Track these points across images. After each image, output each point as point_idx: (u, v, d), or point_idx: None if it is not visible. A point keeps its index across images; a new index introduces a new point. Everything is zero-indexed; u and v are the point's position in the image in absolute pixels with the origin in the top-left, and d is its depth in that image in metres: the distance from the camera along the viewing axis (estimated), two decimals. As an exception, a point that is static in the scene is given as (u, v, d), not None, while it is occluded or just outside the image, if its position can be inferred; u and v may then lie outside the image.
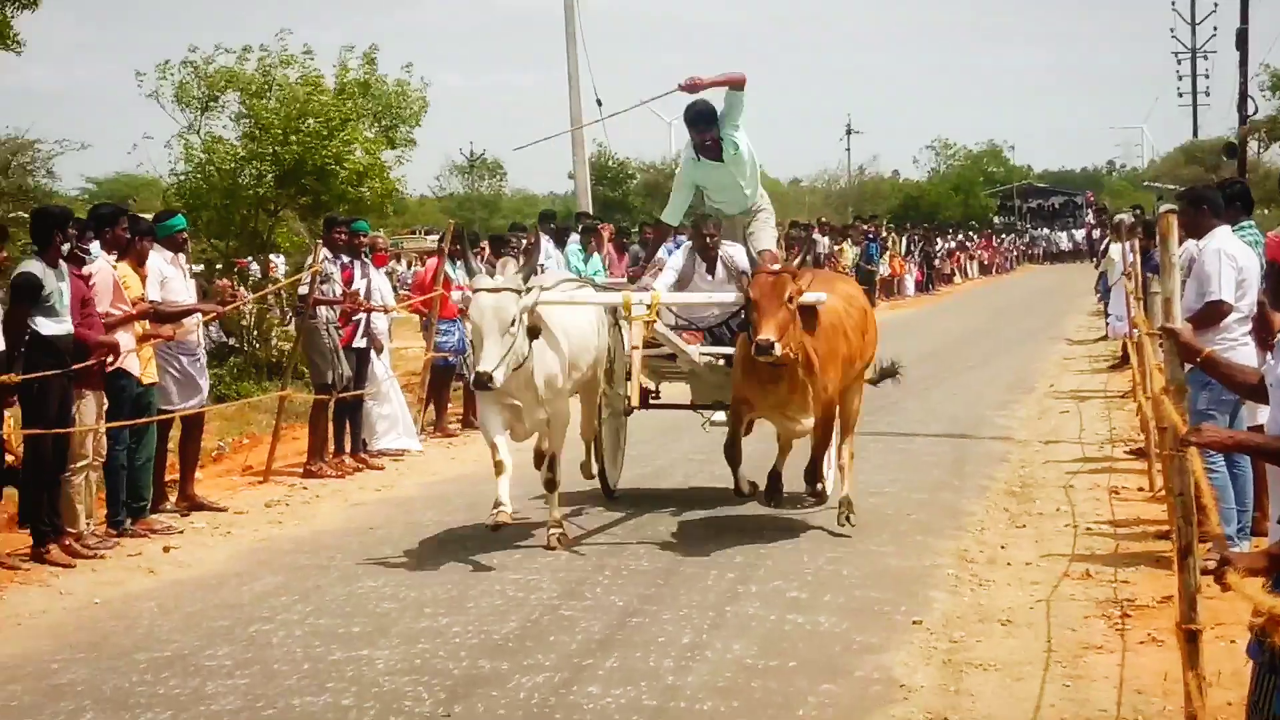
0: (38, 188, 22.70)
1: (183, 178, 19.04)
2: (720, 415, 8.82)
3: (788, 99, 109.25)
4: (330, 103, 18.53)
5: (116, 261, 9.37)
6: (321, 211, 16.40)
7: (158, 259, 9.92)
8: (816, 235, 27.39)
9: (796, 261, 7.90)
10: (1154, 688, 5.48)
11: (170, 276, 10.00)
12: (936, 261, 41.04)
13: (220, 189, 18.30)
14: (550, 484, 8.27)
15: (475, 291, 7.56)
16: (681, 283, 8.91)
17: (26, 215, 13.03)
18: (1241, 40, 30.94)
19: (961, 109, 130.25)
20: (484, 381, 7.27)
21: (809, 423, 8.19)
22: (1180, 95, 58.52)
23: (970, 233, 50.88)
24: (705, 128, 8.80)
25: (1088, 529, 8.61)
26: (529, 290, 7.62)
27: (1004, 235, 59.04)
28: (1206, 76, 58.07)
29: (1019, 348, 22.12)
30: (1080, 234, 60.38)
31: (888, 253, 34.32)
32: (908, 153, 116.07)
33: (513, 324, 7.35)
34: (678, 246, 10.45)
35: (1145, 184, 57.87)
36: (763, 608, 6.97)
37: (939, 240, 43.58)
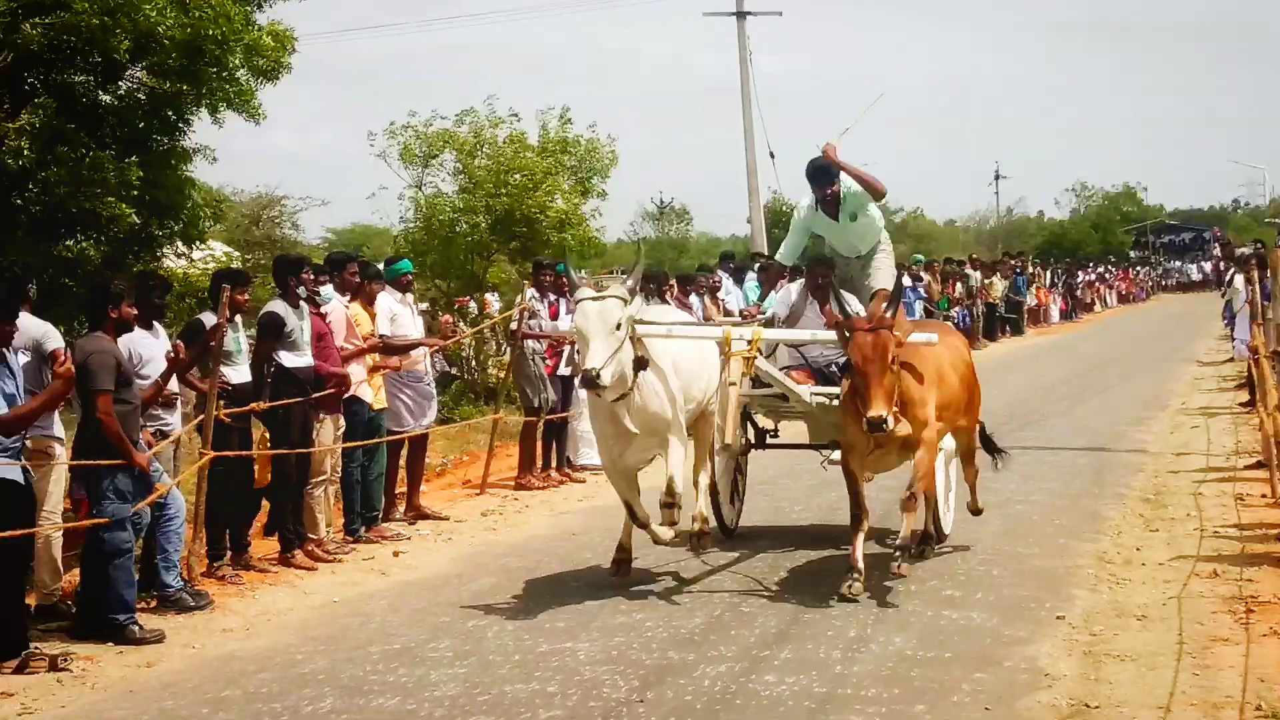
0: (284, 238, 24.12)
1: (409, 227, 19.97)
2: (838, 454, 7.69)
3: (943, 148, 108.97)
4: (534, 159, 19.21)
5: (349, 302, 9.84)
6: (529, 255, 16.96)
7: (388, 298, 10.41)
8: (969, 269, 28.71)
9: (888, 310, 6.97)
10: (1276, 676, 5.60)
11: (399, 314, 10.47)
12: (1078, 292, 41.71)
13: (441, 236, 19.16)
14: (668, 505, 7.34)
15: (579, 301, 6.95)
16: (792, 321, 8.39)
17: (272, 262, 13.74)
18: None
19: (1099, 154, 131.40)
20: (591, 379, 6.52)
21: (908, 463, 7.41)
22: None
23: (1109, 266, 52.03)
24: (825, 183, 8.29)
25: (1215, 532, 8.76)
26: (632, 302, 6.98)
27: (1139, 268, 60.06)
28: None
29: (1154, 369, 22.28)
30: (1208, 266, 59.45)
31: (1034, 285, 34.64)
32: (1050, 195, 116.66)
33: (619, 327, 6.70)
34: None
35: (1267, 220, 56.13)
36: (921, 605, 7.15)
37: (1080, 273, 44.54)
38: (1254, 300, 11.97)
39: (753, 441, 8.72)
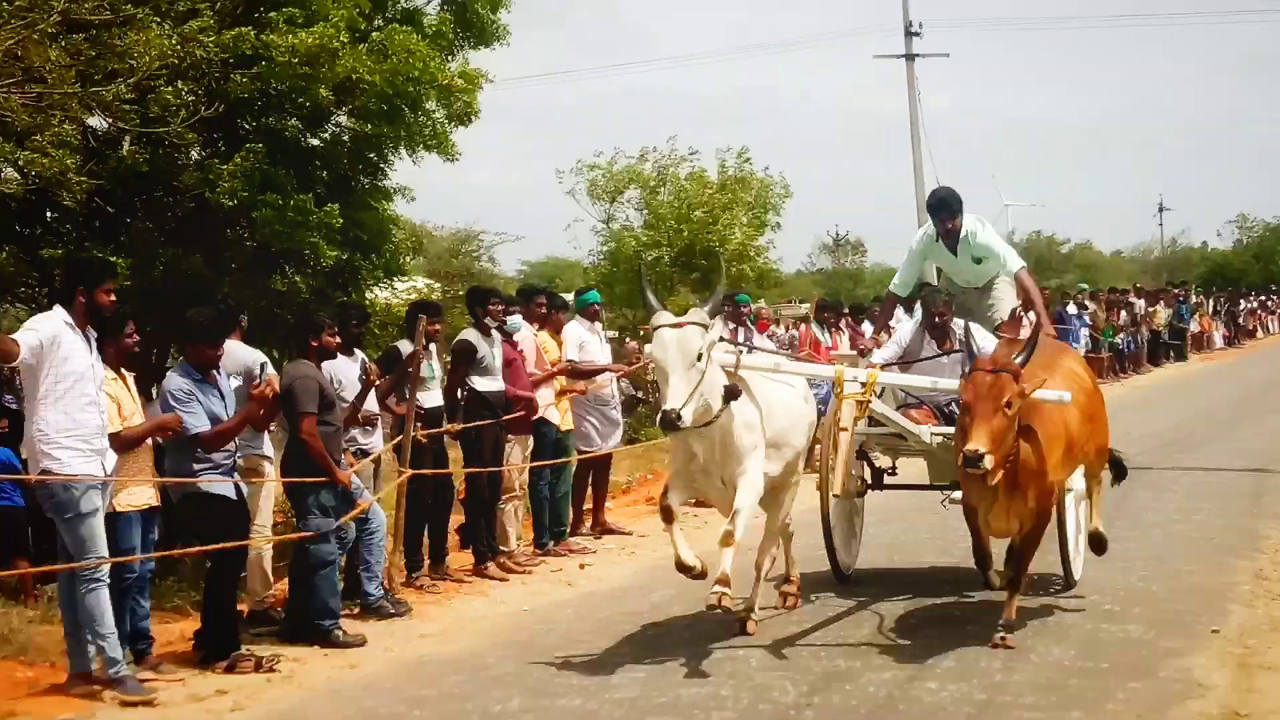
0: (481, 271, 25.03)
1: (598, 259, 20.44)
2: (959, 494, 7.04)
3: (1110, 182, 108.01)
4: (713, 195, 19.37)
5: (537, 330, 10.10)
6: (708, 286, 16.99)
7: (577, 326, 10.66)
8: (1134, 298, 29.37)
9: (1020, 358, 6.18)
10: None
11: (587, 341, 10.69)
12: (1240, 319, 40.31)
13: (627, 268, 19.40)
14: (728, 537, 6.44)
15: (656, 329, 6.17)
16: (907, 359, 7.70)
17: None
18: None
19: (1261, 187, 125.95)
20: (671, 420, 5.86)
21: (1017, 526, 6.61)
22: None
23: (1270, 295, 49.31)
24: (948, 216, 7.80)
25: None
26: (713, 327, 6.28)
27: (1301, 296, 55.75)
28: None
29: (1313, 394, 21.49)
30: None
31: (1197, 313, 33.80)
32: (1213, 226, 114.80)
33: (699, 359, 5.99)
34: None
35: None
36: (1080, 618, 7.20)
37: (1242, 301, 43.20)
38: None
39: (869, 482, 8.12)
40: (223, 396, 6.75)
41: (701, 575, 6.31)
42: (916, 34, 30.86)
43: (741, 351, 6.68)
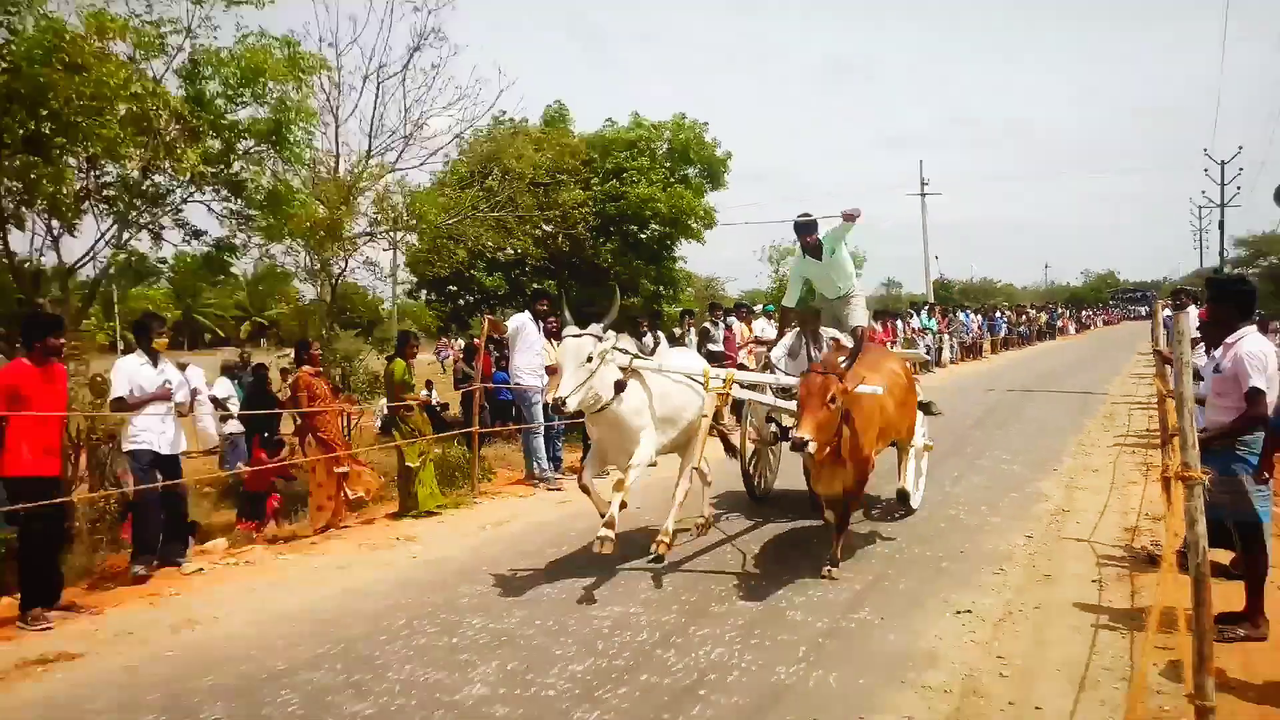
0: (721, 297, 35.05)
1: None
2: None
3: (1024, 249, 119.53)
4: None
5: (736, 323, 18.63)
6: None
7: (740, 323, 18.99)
8: (1030, 309, 44.52)
9: (844, 363, 6.58)
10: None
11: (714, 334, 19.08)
12: (1083, 319, 56.77)
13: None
14: (619, 484, 6.82)
15: (563, 338, 6.84)
16: (792, 356, 8.50)
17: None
18: None
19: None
20: (558, 403, 6.52)
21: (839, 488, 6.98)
22: None
23: (1097, 307, 66.90)
24: (807, 233, 8.51)
25: None
26: (605, 338, 6.83)
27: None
28: None
29: None
30: None
31: (1061, 316, 50.59)
32: (1074, 272, 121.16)
33: (589, 360, 6.63)
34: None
35: None
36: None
37: (1083, 310, 60.37)
38: None
39: (778, 434, 8.89)
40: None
41: (610, 524, 6.59)
42: (926, 183, 45.50)
43: (636, 356, 7.23)
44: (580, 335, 6.75)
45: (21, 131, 8.63)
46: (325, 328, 13.19)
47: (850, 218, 8.26)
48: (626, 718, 4.65)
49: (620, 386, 6.92)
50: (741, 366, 13.27)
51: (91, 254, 9.81)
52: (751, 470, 9.02)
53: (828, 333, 8.60)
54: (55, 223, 9.42)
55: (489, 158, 16.58)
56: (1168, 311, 12.47)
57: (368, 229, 14.00)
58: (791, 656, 5.35)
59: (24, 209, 9.20)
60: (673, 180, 19.88)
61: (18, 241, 9.23)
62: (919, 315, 26.77)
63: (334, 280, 13.43)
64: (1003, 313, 38.02)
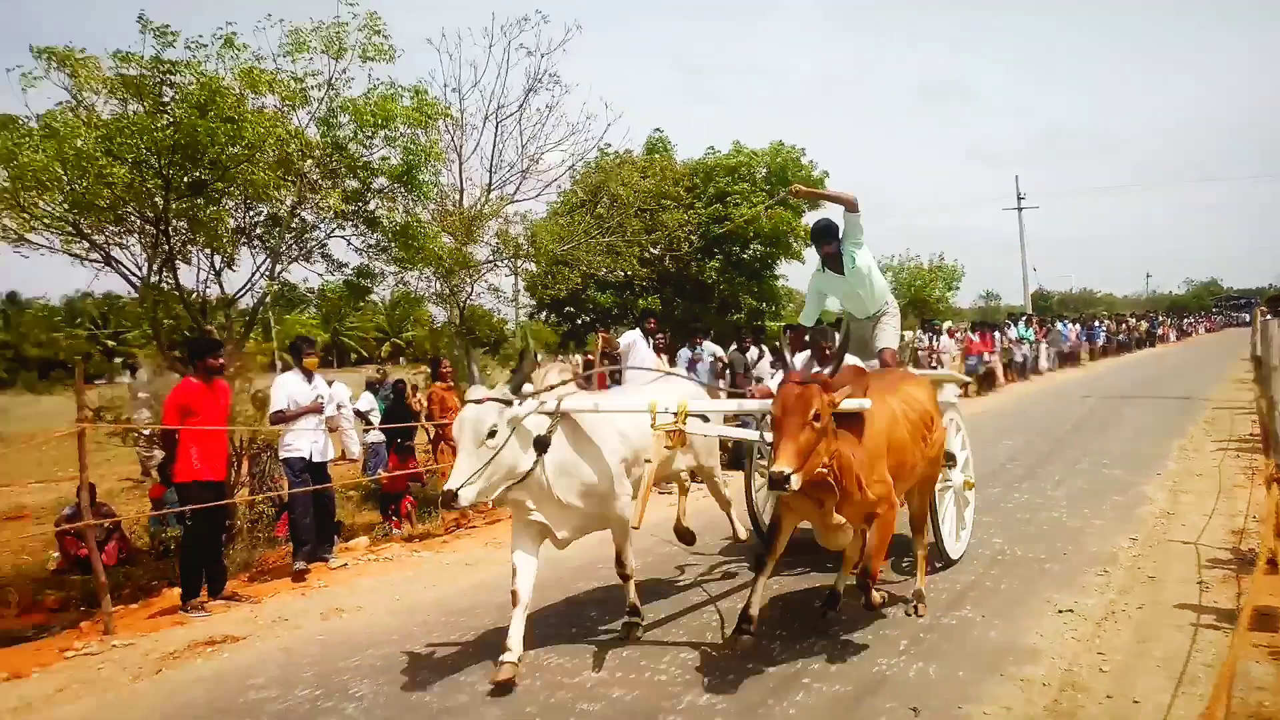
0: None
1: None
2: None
3: (1125, 260, 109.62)
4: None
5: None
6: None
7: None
8: (1130, 318, 44.38)
9: (827, 368, 4.89)
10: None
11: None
12: (1184, 328, 51.95)
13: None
14: (624, 577, 5.76)
15: (464, 403, 5.00)
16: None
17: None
18: None
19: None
20: (448, 500, 4.73)
21: (849, 535, 5.13)
22: None
23: (1195, 315, 59.11)
24: (825, 241, 6.88)
25: None
26: (522, 401, 5.03)
27: None
28: None
29: None
30: None
31: (1161, 325, 47.66)
32: (1176, 281, 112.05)
33: (490, 435, 4.82)
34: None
35: None
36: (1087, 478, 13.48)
37: (1184, 318, 55.49)
38: None
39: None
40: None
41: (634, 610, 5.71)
42: (1023, 197, 44.04)
43: (558, 401, 5.28)
44: (481, 403, 4.87)
45: (186, 178, 9.24)
46: (455, 347, 13.62)
47: (848, 205, 6.85)
48: (735, 700, 4.69)
49: (542, 444, 5.05)
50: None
51: (249, 285, 10.38)
52: (761, 510, 7.41)
53: (848, 361, 6.76)
54: (217, 258, 10.01)
55: (598, 186, 16.93)
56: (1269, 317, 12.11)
57: (490, 257, 14.44)
58: (892, 650, 5.31)
59: (190, 247, 9.81)
60: (771, 203, 19.88)
61: (186, 276, 9.84)
62: (1017, 326, 26.04)
63: (462, 304, 13.86)
64: (1101, 321, 37.13)
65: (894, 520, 5.23)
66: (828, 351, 6.42)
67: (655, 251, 19.44)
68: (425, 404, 11.16)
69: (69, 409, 7.38)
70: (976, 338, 21.62)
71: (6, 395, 40.35)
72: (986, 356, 22.07)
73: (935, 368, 18.96)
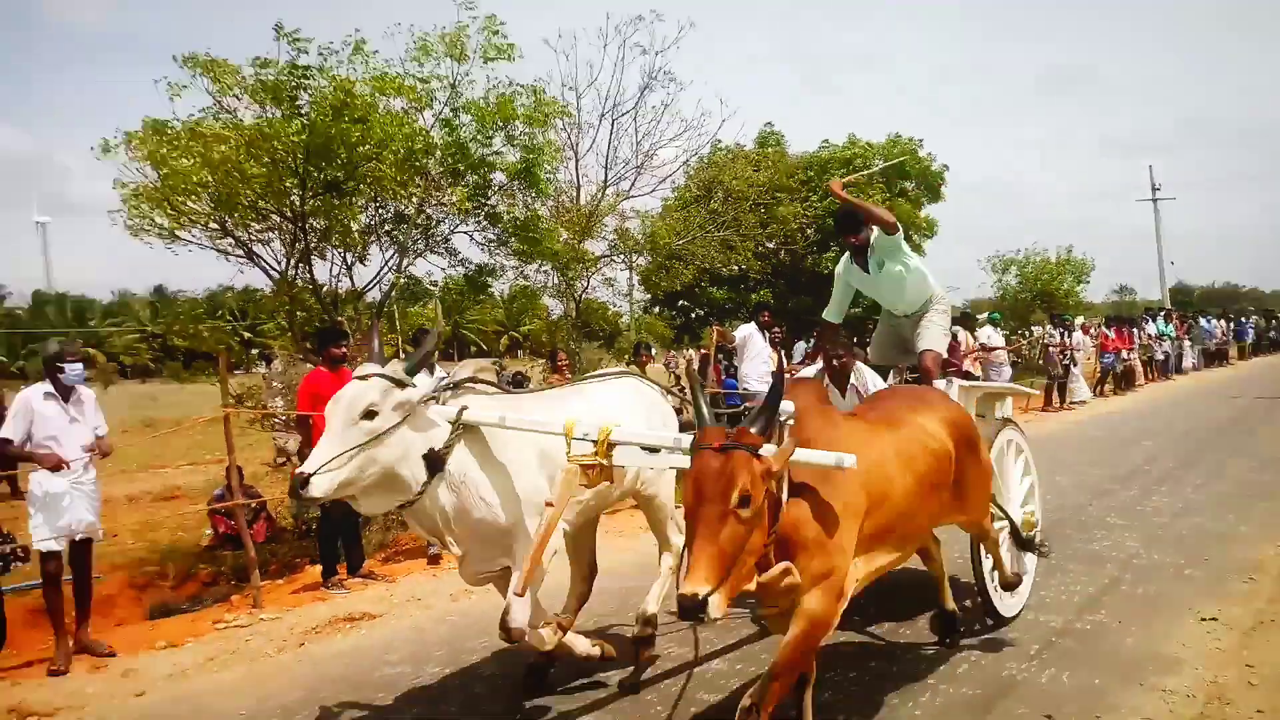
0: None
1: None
2: None
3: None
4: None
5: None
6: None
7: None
8: None
9: (756, 423, 3.26)
10: None
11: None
12: None
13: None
14: (508, 639, 4.14)
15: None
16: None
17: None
18: None
19: None
20: (295, 487, 3.65)
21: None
22: None
23: None
24: (850, 232, 5.71)
25: None
26: (413, 385, 3.99)
27: None
28: None
29: None
30: None
31: None
32: None
33: (367, 417, 3.80)
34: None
35: None
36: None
37: None
38: None
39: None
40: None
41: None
42: (1158, 188, 42.87)
43: (465, 408, 4.15)
44: (367, 378, 3.93)
45: (321, 177, 9.62)
46: (571, 339, 13.79)
47: (890, 228, 5.62)
48: (858, 699, 4.58)
49: (435, 462, 3.98)
50: (967, 374, 12.68)
51: (378, 279, 10.74)
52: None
53: (865, 371, 5.63)
54: (349, 254, 10.39)
55: (712, 181, 16.88)
56: None
57: (606, 251, 14.56)
58: (1022, 653, 5.10)
59: (325, 243, 10.21)
60: (890, 195, 19.44)
61: (320, 270, 10.26)
62: (1155, 321, 24.69)
63: (578, 297, 14.01)
64: (1248, 317, 34.67)
65: (829, 620, 3.53)
66: (836, 363, 5.43)
67: (770, 245, 19.40)
68: (543, 396, 11.33)
69: (213, 396, 7.79)
70: (1112, 334, 20.63)
71: (155, 383, 43.06)
72: (1124, 354, 21.06)
73: (1070, 366, 18.15)
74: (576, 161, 13.87)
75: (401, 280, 10.90)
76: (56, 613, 5.89)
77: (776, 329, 11.51)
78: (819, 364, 5.81)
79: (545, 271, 13.38)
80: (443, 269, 11.80)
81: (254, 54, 9.56)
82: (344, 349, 7.75)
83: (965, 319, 17.04)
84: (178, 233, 9.52)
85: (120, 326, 57.47)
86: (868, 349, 6.34)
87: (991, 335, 15.94)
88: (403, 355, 7.74)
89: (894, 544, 4.00)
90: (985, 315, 18.54)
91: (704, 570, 2.93)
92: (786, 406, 3.62)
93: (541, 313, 17.91)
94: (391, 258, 10.80)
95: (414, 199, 10.47)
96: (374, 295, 10.92)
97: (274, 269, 10.08)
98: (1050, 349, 18.27)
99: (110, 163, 9.31)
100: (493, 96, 10.72)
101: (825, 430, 3.65)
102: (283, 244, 10.07)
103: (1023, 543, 5.48)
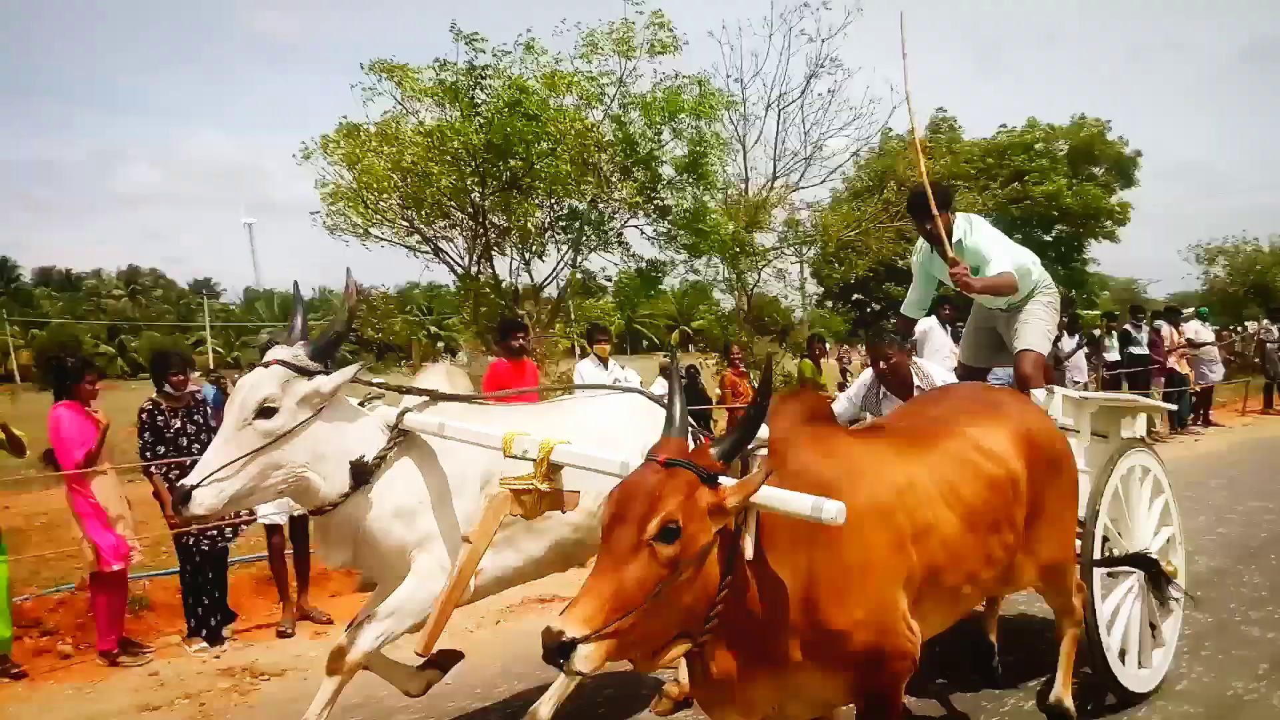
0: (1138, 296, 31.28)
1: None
2: None
3: None
4: None
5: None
6: None
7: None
8: None
9: (721, 446, 2.39)
10: None
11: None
12: None
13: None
14: (337, 655, 3.33)
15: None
16: (863, 405, 4.68)
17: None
18: None
19: None
20: (177, 500, 3.04)
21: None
22: None
23: None
24: (922, 217, 4.57)
25: None
26: (322, 372, 3.21)
27: None
28: None
29: None
30: None
31: None
32: None
33: (263, 415, 3.09)
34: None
35: None
36: None
37: None
38: None
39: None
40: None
41: None
42: None
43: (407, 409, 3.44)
44: (268, 364, 3.19)
45: (499, 174, 9.88)
46: (744, 333, 13.64)
47: (1013, 290, 4.48)
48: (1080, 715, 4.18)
49: (361, 473, 3.22)
50: (1172, 372, 11.73)
51: (554, 274, 10.95)
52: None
53: (928, 369, 4.60)
54: (526, 250, 10.64)
55: (884, 171, 16.37)
56: None
57: (776, 244, 14.33)
58: (1248, 672, 4.56)
59: (504, 240, 10.50)
60: (1077, 179, 18.29)
61: (500, 267, 10.55)
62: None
63: (749, 291, 13.84)
64: None
65: (902, 677, 2.66)
66: (884, 366, 4.36)
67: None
68: (719, 389, 11.26)
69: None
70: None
71: (351, 376, 45.78)
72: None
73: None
74: (744, 154, 13.71)
75: (577, 276, 11.07)
76: (281, 581, 6.27)
77: (960, 323, 10.97)
78: (867, 374, 4.69)
79: (715, 265, 13.30)
80: (615, 263, 11.92)
81: (433, 56, 9.97)
82: (520, 339, 7.91)
83: (1170, 313, 15.95)
84: (370, 230, 10.01)
85: (321, 320, 61.66)
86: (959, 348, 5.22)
87: (1200, 330, 14.85)
88: (590, 345, 7.24)
89: (922, 611, 2.75)
90: (1192, 309, 17.18)
91: (586, 609, 2.11)
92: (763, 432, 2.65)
93: (713, 307, 17.87)
94: (566, 253, 10.98)
95: (587, 195, 10.60)
96: (551, 290, 11.15)
97: (458, 264, 10.45)
98: (1268, 346, 16.65)
99: (308, 167, 9.90)
100: (660, 90, 10.72)
101: (815, 463, 2.57)
102: (464, 240, 10.42)
103: (1162, 592, 4.24)
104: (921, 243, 4.82)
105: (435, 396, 3.57)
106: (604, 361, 8.72)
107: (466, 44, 9.75)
